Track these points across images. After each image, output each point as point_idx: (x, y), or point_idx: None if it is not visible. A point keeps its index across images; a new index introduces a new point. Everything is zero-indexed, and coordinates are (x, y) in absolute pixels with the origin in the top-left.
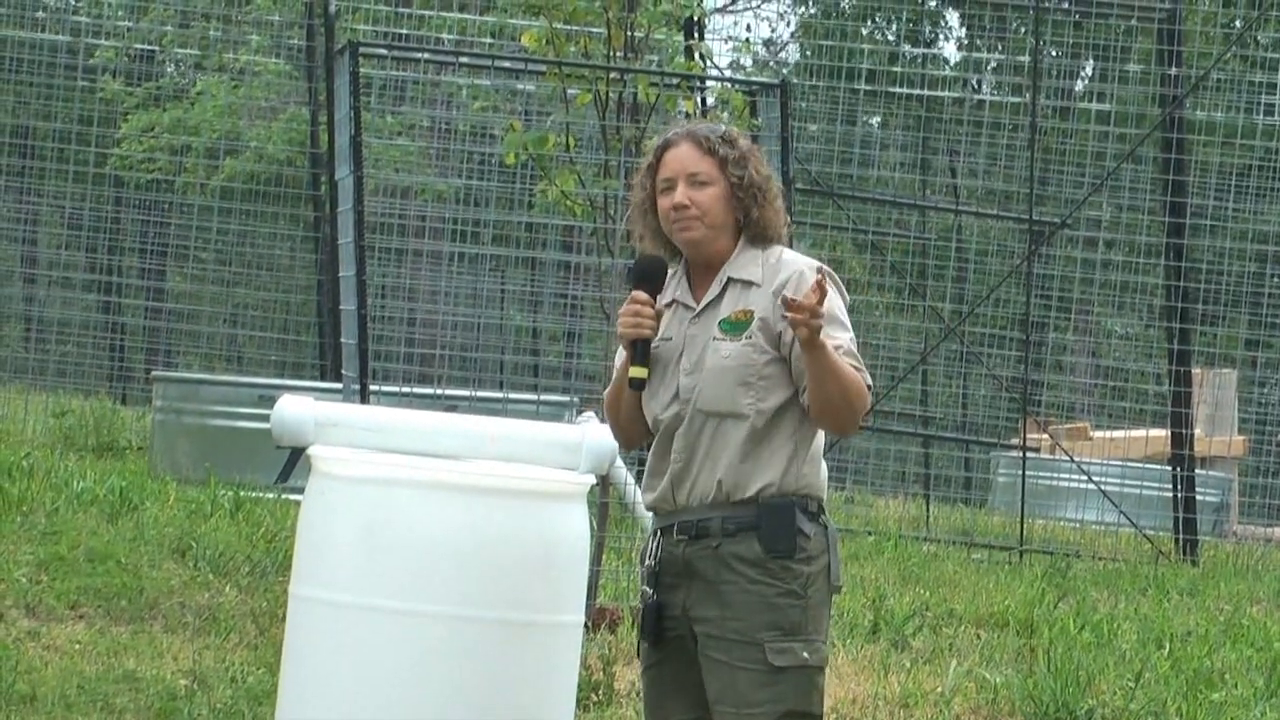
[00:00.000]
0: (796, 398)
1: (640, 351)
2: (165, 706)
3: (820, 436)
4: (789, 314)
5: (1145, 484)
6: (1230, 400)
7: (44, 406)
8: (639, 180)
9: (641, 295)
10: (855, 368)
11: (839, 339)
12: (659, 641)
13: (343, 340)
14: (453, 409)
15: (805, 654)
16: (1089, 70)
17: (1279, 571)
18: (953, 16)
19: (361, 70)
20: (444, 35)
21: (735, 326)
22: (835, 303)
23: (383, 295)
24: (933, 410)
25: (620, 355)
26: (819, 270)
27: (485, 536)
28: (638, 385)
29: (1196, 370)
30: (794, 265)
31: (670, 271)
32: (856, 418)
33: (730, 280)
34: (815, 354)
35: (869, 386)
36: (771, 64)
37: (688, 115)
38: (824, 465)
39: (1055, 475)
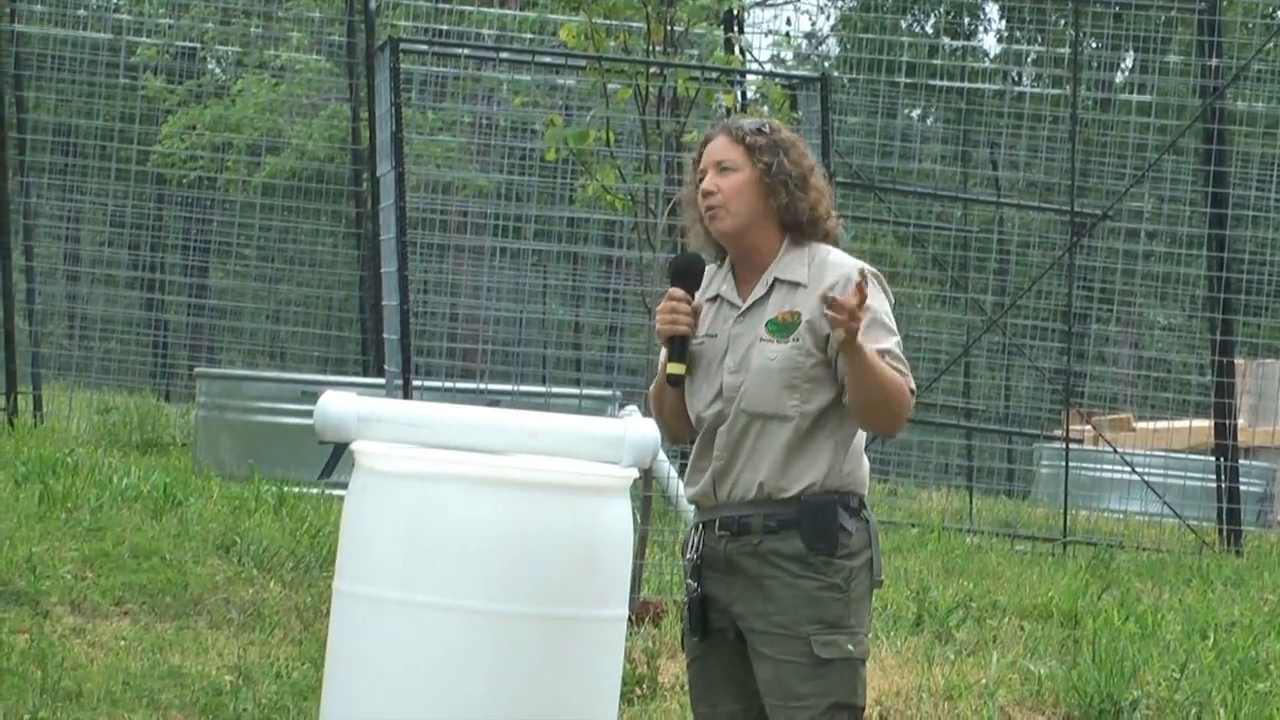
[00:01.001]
0: (840, 398)
1: (678, 348)
2: (210, 702)
3: (861, 433)
4: (829, 313)
5: (1188, 475)
6: (1273, 390)
7: (88, 403)
8: (688, 176)
9: (678, 292)
10: (898, 371)
11: (884, 343)
12: (705, 633)
13: (385, 336)
14: (495, 404)
15: (850, 646)
16: (1129, 62)
17: None
18: (992, 9)
19: (402, 66)
20: (484, 31)
21: (782, 328)
22: (880, 306)
23: (425, 291)
24: (975, 402)
25: (665, 351)
26: (863, 272)
27: (528, 531)
28: (676, 382)
29: (1239, 361)
30: (841, 268)
31: (716, 267)
32: (898, 420)
33: (777, 281)
34: (854, 357)
35: (912, 390)
36: (812, 58)
37: (728, 110)
38: (865, 460)
39: (1098, 466)
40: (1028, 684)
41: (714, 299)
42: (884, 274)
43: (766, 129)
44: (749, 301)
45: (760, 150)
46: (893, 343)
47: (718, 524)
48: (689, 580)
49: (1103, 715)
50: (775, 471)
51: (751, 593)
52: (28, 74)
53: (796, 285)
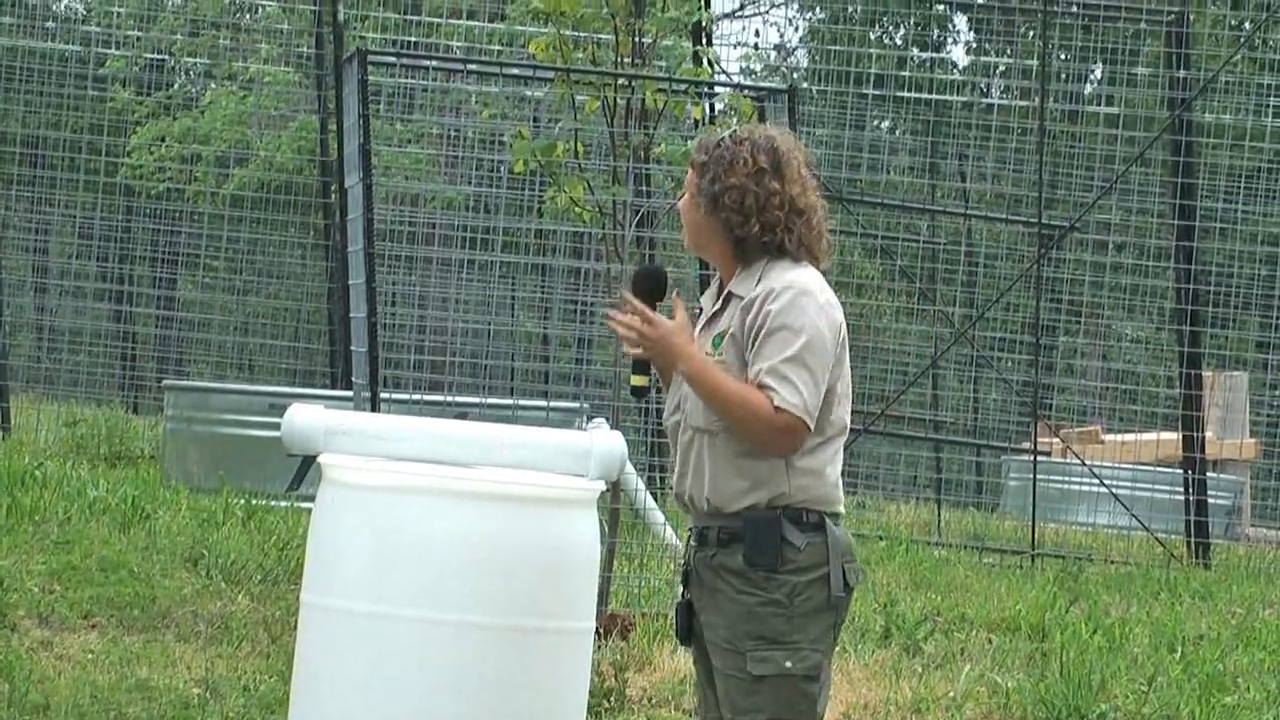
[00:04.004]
0: None
1: (639, 361)
2: (178, 715)
3: (828, 449)
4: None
5: (1157, 487)
6: (1241, 403)
7: (56, 416)
8: None
9: (635, 304)
10: (765, 385)
11: (760, 363)
12: (689, 639)
13: (352, 348)
14: (463, 416)
15: (788, 663)
16: (1098, 73)
17: None
18: (961, 20)
19: (371, 78)
20: (453, 43)
21: (716, 342)
22: (788, 323)
23: (393, 302)
24: (943, 414)
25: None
26: (799, 291)
27: (495, 543)
28: (638, 393)
29: (1207, 373)
30: (769, 284)
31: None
32: (760, 438)
33: (730, 295)
34: (685, 379)
35: (779, 408)
36: (781, 69)
37: (697, 122)
38: (832, 475)
39: (1067, 479)
40: (995, 697)
41: (702, 310)
42: (850, 287)
43: (722, 144)
44: (707, 315)
45: (699, 170)
46: (779, 359)
47: (692, 533)
48: (680, 585)
49: None
50: (713, 485)
51: (710, 604)
52: None
53: (741, 299)
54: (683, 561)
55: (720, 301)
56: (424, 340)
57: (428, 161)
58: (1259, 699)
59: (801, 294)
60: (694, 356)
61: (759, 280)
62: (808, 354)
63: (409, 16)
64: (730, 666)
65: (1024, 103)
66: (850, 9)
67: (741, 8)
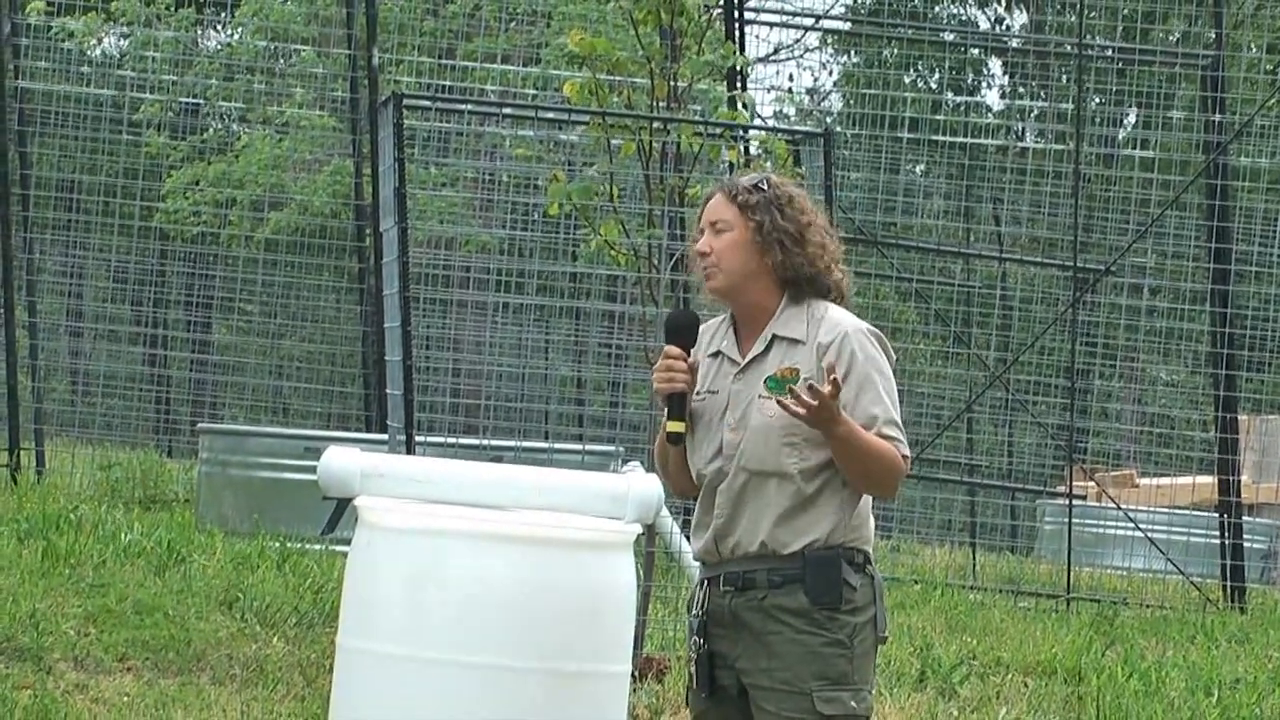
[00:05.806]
0: None
1: (676, 406)
2: None
3: None
4: (793, 405)
5: (1192, 531)
6: (1277, 447)
7: (91, 459)
8: (695, 233)
9: (674, 350)
10: (890, 437)
11: (876, 407)
12: (712, 690)
13: (388, 391)
14: (498, 459)
15: (853, 703)
16: (1132, 117)
17: None
18: (995, 64)
19: (406, 122)
20: (488, 87)
21: (780, 385)
22: (877, 366)
23: (428, 346)
24: (978, 458)
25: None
26: (869, 333)
27: (532, 586)
28: (676, 440)
29: (1243, 417)
30: (839, 326)
31: (719, 323)
32: (889, 488)
33: (776, 337)
34: (834, 441)
35: (905, 457)
36: (815, 113)
37: (731, 165)
38: (871, 517)
39: (1102, 523)
40: None
41: (715, 355)
42: (885, 330)
43: (763, 185)
44: (748, 358)
45: (752, 209)
46: (885, 405)
47: (722, 580)
48: (695, 637)
49: None
50: (777, 527)
51: (756, 648)
52: (31, 130)
53: (795, 342)
54: (698, 612)
55: (766, 344)
56: (459, 383)
57: (462, 205)
58: None
59: (873, 334)
60: (846, 419)
61: (814, 321)
62: (896, 395)
63: (444, 61)
64: (792, 708)
65: (1059, 146)
66: (885, 53)
67: (776, 51)
